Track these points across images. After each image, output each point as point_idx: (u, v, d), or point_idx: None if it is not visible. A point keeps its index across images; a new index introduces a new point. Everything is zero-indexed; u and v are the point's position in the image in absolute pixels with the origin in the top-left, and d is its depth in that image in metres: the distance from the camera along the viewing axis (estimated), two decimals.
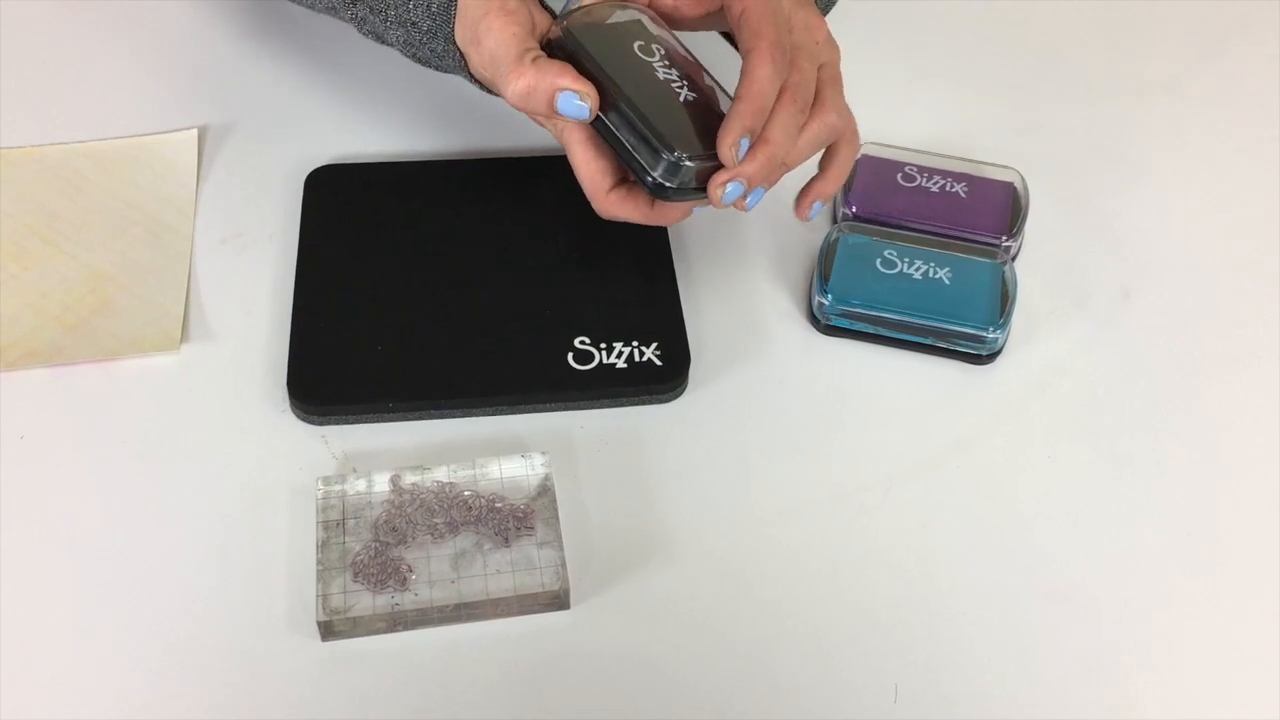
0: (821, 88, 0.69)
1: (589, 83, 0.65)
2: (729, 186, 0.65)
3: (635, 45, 0.68)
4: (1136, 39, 0.99)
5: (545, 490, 0.67)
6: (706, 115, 0.67)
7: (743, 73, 0.65)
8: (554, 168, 0.84)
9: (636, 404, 0.73)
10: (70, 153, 0.82)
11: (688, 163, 0.65)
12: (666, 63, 0.68)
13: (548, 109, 0.65)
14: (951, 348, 0.76)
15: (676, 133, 0.65)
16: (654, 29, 0.70)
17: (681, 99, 0.67)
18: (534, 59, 0.66)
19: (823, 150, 0.71)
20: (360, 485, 0.67)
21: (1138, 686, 0.64)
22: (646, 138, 0.65)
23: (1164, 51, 0.98)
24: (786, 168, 0.68)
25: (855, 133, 0.71)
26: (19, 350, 0.72)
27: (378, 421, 0.71)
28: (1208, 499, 0.71)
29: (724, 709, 0.62)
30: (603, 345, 0.73)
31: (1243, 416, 0.75)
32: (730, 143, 0.64)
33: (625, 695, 0.62)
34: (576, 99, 0.65)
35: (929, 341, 0.76)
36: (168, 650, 0.62)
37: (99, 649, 0.62)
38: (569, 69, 0.65)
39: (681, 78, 0.68)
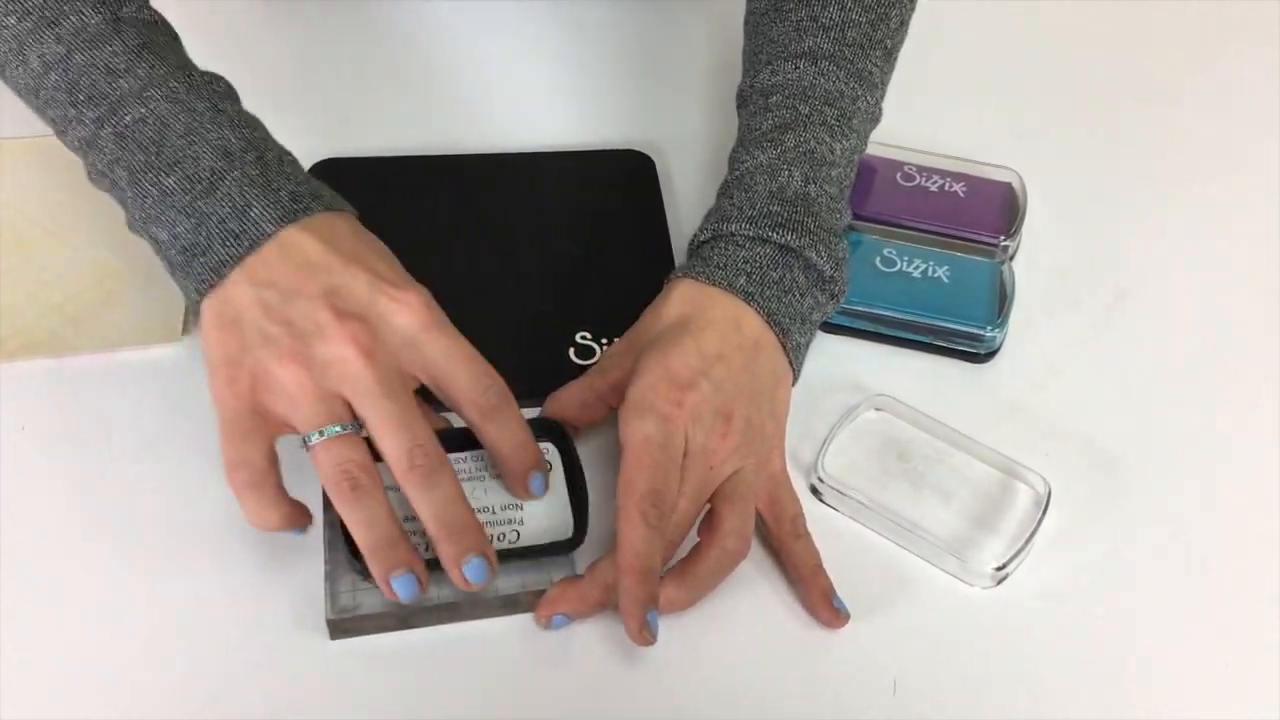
0: (719, 507, 0.64)
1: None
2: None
3: None
4: (1135, 43, 0.99)
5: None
6: None
7: (617, 538, 0.61)
8: (555, 165, 0.84)
9: None
10: None
11: None
12: None
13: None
14: (949, 346, 0.76)
15: None
16: None
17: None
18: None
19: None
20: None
21: (1126, 679, 0.64)
22: None
23: (1162, 55, 0.99)
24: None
25: (744, 553, 0.65)
26: (20, 341, 0.72)
27: None
28: (1202, 498, 0.72)
29: (728, 703, 0.62)
30: (604, 340, 0.74)
31: (1237, 417, 0.75)
32: (638, 628, 0.60)
33: (635, 688, 0.62)
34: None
35: (927, 340, 0.76)
36: (172, 646, 0.62)
37: (101, 644, 0.62)
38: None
39: None
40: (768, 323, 0.67)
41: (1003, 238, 0.80)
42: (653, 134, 0.87)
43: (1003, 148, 0.86)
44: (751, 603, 0.66)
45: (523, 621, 0.64)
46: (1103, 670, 0.64)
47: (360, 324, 0.60)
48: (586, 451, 0.69)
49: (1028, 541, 0.67)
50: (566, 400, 0.69)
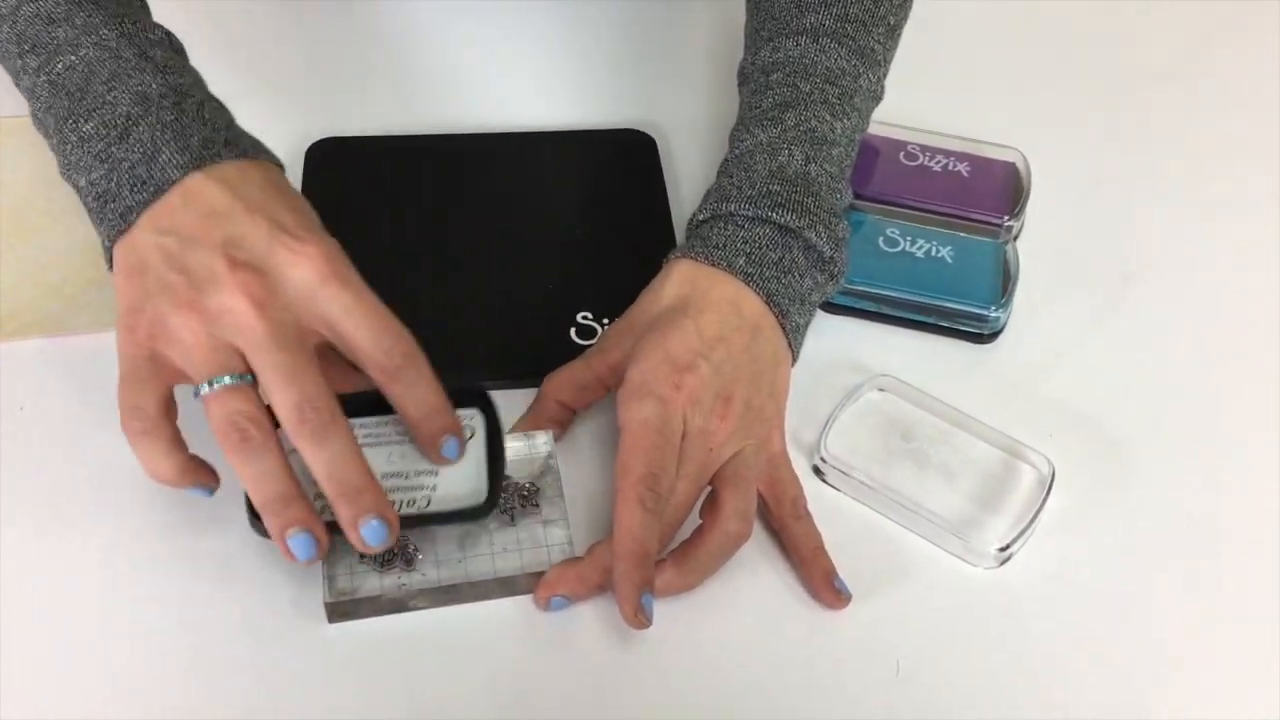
0: (720, 489, 0.64)
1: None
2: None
3: None
4: (1141, 23, 0.99)
5: (550, 468, 0.67)
6: None
7: (614, 521, 0.61)
8: (556, 144, 0.84)
9: None
10: None
11: None
12: None
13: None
14: (953, 326, 0.76)
15: None
16: None
17: None
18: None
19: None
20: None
21: (1129, 660, 0.64)
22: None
23: (1168, 35, 0.98)
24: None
25: (747, 534, 0.64)
26: (18, 321, 0.72)
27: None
28: (1205, 480, 0.71)
29: (729, 684, 0.62)
30: (605, 320, 0.73)
31: (1241, 398, 0.75)
32: (632, 612, 0.60)
33: (634, 670, 0.62)
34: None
35: (930, 320, 0.76)
36: (171, 629, 0.62)
37: (98, 625, 0.62)
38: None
39: None
40: (767, 304, 0.67)
41: (1006, 218, 0.79)
42: (654, 113, 0.87)
43: (1007, 127, 0.85)
44: (753, 584, 0.65)
45: (522, 603, 0.64)
46: (1105, 650, 0.64)
47: (254, 274, 0.58)
48: (582, 433, 0.69)
49: (1031, 522, 0.67)
50: (564, 381, 0.69)
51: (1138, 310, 0.79)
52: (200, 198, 0.60)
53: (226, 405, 0.57)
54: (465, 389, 0.64)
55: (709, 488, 0.65)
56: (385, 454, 0.62)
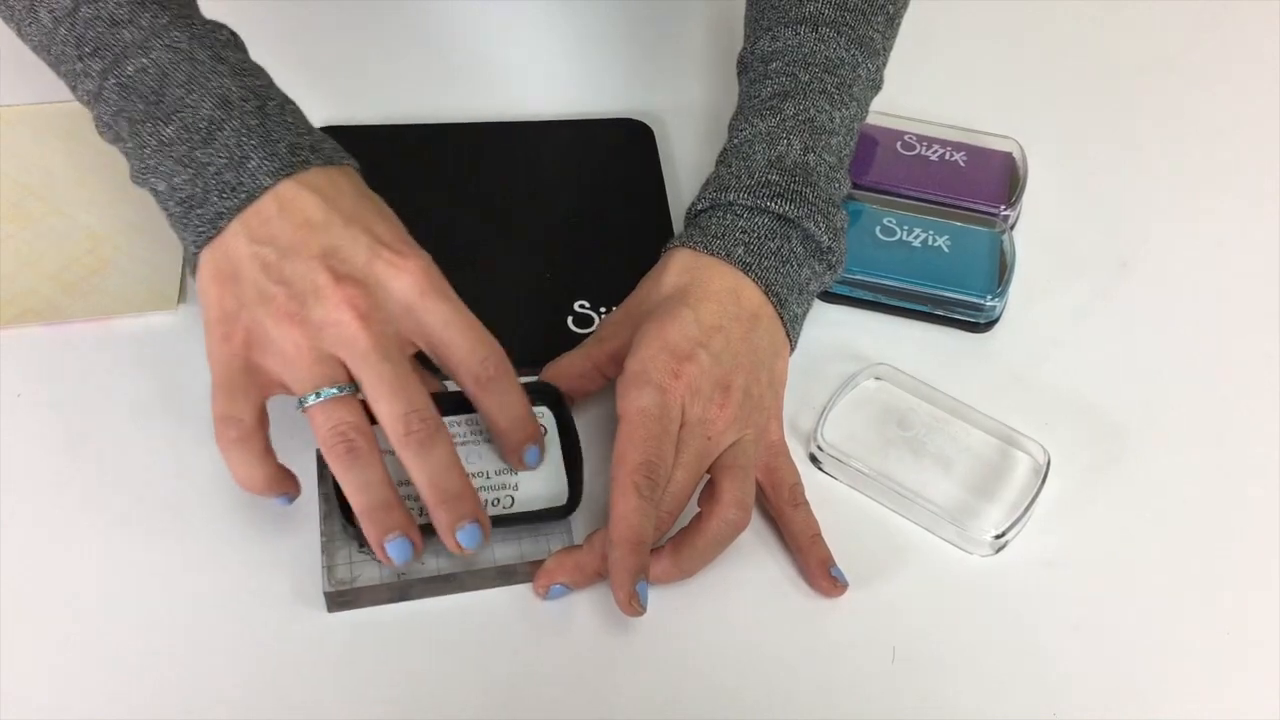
0: (719, 478, 0.64)
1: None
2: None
3: None
4: (1137, 11, 0.99)
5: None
6: None
7: (610, 509, 0.61)
8: (554, 133, 0.84)
9: None
10: (68, 112, 0.82)
11: None
12: None
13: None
14: (950, 315, 0.76)
15: None
16: None
17: None
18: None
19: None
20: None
21: (1124, 646, 0.64)
22: None
23: (1164, 24, 0.98)
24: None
25: (746, 523, 0.64)
26: (16, 308, 0.72)
27: None
28: (1201, 468, 0.71)
29: (727, 671, 0.62)
30: (602, 309, 0.73)
31: (1237, 386, 0.75)
32: (626, 598, 0.60)
33: (633, 658, 0.62)
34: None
35: (927, 309, 0.76)
36: (170, 617, 0.62)
37: (96, 614, 0.62)
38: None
39: None
40: (765, 293, 0.67)
41: (1003, 207, 0.79)
42: (652, 102, 0.87)
43: (1003, 117, 0.85)
44: (750, 572, 0.66)
45: (521, 592, 0.64)
46: (1099, 637, 0.64)
47: (357, 287, 0.60)
48: (584, 421, 0.69)
49: (1027, 510, 0.67)
50: (563, 370, 0.69)
51: (1133, 300, 0.79)
52: (295, 207, 0.60)
53: (333, 416, 0.59)
54: (536, 385, 0.66)
55: (707, 476, 0.65)
56: (465, 454, 0.63)
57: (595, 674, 0.62)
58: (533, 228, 0.78)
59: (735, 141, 0.72)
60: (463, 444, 0.64)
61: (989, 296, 0.75)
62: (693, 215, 0.71)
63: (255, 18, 0.89)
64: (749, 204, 0.68)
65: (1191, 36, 0.97)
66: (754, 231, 0.68)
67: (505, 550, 0.64)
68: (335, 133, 0.80)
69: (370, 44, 0.89)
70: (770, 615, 0.64)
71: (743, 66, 0.76)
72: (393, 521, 0.59)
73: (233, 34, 0.66)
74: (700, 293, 0.66)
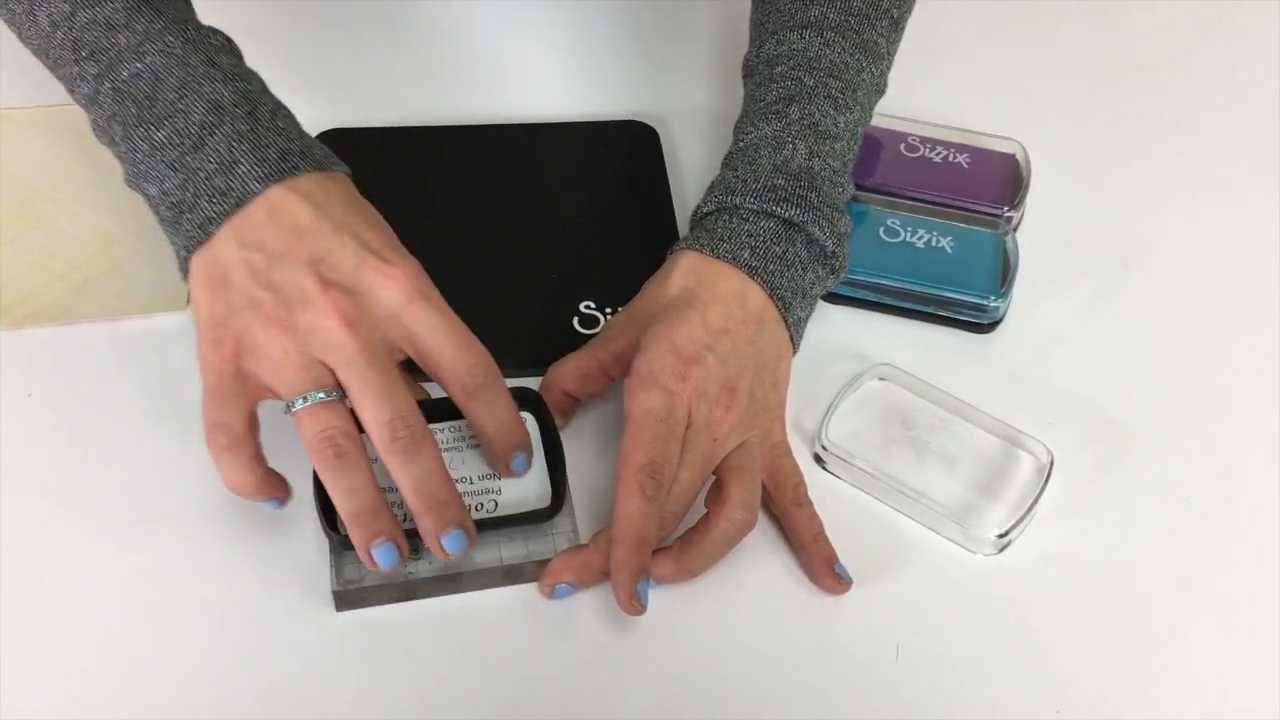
0: (726, 479, 0.65)
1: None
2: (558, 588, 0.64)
3: None
4: (1138, 12, 0.99)
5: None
6: None
7: (614, 508, 0.62)
8: (559, 135, 0.84)
9: None
10: (78, 114, 0.82)
11: None
12: None
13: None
14: (953, 316, 0.76)
15: None
16: None
17: None
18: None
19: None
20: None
21: (1127, 646, 0.65)
22: None
23: (1166, 24, 0.98)
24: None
25: (752, 524, 0.65)
26: (26, 309, 0.72)
27: None
28: (1204, 467, 0.72)
29: (732, 669, 0.63)
30: (608, 310, 0.74)
31: (1241, 386, 0.76)
32: (627, 598, 0.61)
33: (638, 657, 0.63)
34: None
35: (931, 310, 0.76)
36: (178, 617, 0.62)
37: (104, 613, 0.62)
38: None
39: None
40: (770, 297, 0.68)
41: (1006, 208, 0.80)
42: (657, 105, 0.87)
43: (1006, 118, 0.86)
44: (755, 571, 0.66)
45: (527, 591, 0.64)
46: (1103, 636, 0.65)
47: (345, 294, 0.60)
48: (586, 421, 0.69)
49: (1030, 509, 0.67)
50: (568, 370, 0.69)
51: (1136, 300, 0.79)
52: (284, 213, 0.61)
53: (320, 420, 0.59)
54: (519, 391, 0.66)
55: (713, 478, 0.65)
56: (449, 459, 0.64)
57: (601, 672, 0.62)
58: (538, 229, 0.78)
59: (740, 145, 0.73)
60: (446, 449, 0.65)
61: (992, 297, 0.75)
62: (698, 218, 0.71)
63: (262, 20, 0.90)
64: (755, 208, 0.69)
65: (1193, 37, 0.98)
66: (760, 235, 0.68)
67: (511, 550, 0.64)
68: (339, 135, 0.81)
69: (376, 47, 0.90)
70: (774, 614, 0.65)
71: (748, 70, 0.77)
72: (379, 526, 0.59)
73: (227, 39, 0.66)
74: (707, 296, 0.67)
